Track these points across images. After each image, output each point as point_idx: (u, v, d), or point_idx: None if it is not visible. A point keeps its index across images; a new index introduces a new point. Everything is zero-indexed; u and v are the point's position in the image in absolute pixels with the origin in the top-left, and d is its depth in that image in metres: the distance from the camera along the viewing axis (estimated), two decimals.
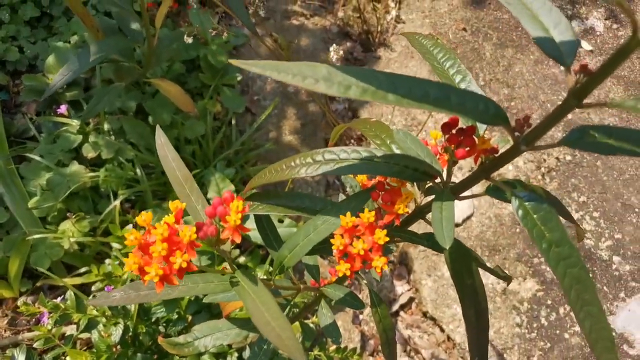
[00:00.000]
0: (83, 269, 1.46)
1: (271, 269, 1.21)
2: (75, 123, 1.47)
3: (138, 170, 1.47)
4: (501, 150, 0.63)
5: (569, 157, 1.99)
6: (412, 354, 1.64)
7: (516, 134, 0.57)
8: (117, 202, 1.41)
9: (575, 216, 1.85)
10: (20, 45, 1.79)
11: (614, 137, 0.57)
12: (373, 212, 0.60)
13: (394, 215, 0.64)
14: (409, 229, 0.76)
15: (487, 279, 1.74)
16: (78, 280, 1.45)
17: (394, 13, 2.20)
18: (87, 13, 1.32)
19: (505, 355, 1.62)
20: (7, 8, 1.80)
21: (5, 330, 1.45)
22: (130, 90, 1.54)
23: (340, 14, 2.15)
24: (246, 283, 0.59)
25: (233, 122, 1.71)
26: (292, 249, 0.69)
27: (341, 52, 1.18)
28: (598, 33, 2.30)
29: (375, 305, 0.81)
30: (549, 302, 1.70)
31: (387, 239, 0.60)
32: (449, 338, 1.64)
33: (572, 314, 1.69)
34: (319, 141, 1.89)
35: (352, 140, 1.90)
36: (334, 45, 1.21)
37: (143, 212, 0.53)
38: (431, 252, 1.78)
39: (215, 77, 1.70)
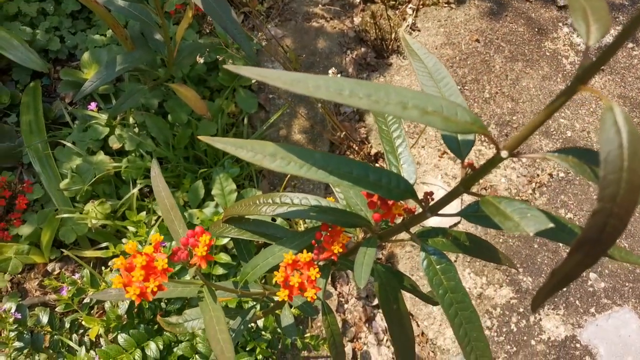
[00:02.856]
0: (104, 244, 1.69)
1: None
2: (103, 117, 1.67)
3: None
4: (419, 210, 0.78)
5: (562, 174, 2.08)
6: (388, 343, 1.82)
7: (423, 204, 0.73)
8: (135, 190, 1.62)
9: None
10: (62, 36, 1.99)
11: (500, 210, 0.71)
12: (310, 254, 0.77)
13: (330, 253, 0.80)
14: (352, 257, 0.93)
15: (465, 282, 1.89)
16: (99, 253, 1.67)
17: (410, 20, 2.30)
18: (117, 24, 1.49)
19: None
20: (52, 1, 1.99)
21: (35, 291, 1.70)
22: (154, 88, 1.72)
23: (357, 19, 2.27)
24: (208, 299, 0.77)
25: (245, 121, 1.88)
26: (254, 269, 0.87)
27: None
28: None
29: (325, 313, 0.99)
30: (521, 309, 1.84)
31: (319, 274, 0.76)
32: (422, 333, 1.81)
33: (541, 322, 1.83)
34: (324, 142, 2.04)
35: (356, 144, 2.04)
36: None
37: (130, 241, 0.71)
38: (416, 254, 1.94)
39: (233, 79, 1.87)
